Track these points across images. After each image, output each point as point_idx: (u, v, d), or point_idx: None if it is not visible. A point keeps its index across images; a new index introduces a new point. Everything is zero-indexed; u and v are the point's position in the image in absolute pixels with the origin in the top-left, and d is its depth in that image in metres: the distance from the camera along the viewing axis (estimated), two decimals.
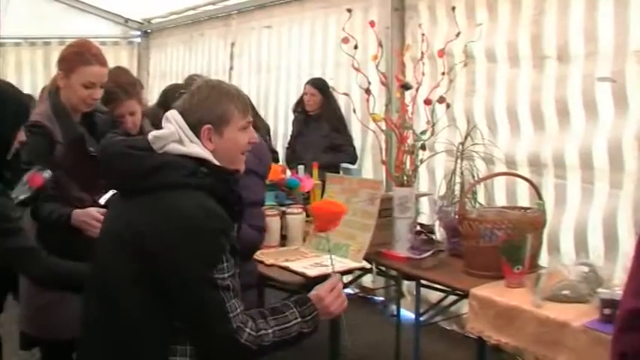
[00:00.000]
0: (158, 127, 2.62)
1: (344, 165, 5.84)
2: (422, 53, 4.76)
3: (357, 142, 6.89)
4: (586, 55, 5.04)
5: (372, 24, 4.97)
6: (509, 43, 5.56)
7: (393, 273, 4.75)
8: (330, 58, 7.40)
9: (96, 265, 2.63)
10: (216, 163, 2.52)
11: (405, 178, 4.48)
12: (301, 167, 5.48)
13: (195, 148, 2.50)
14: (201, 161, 2.49)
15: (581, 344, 3.46)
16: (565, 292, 3.74)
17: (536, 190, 4.46)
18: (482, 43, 5.66)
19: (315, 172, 5.36)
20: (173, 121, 2.53)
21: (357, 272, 4.84)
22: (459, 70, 5.42)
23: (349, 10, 5.11)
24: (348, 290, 6.27)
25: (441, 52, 4.85)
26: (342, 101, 6.70)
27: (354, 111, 5.16)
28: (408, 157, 4.50)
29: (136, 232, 2.43)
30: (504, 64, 5.63)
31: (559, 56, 5.22)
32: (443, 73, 4.73)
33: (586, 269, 3.91)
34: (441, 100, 4.66)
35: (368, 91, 4.59)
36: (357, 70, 4.63)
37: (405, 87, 4.70)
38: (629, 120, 4.76)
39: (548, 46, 5.30)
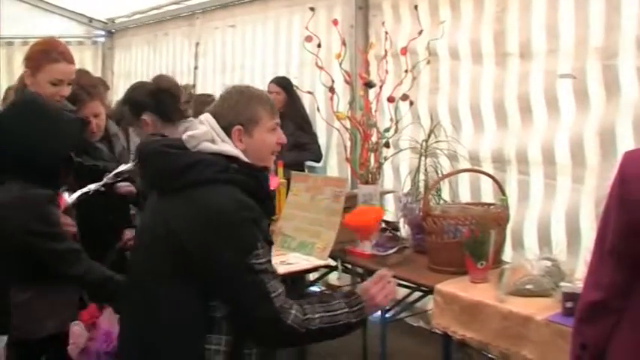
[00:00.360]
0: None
1: (309, 163, 5.85)
2: (385, 51, 4.78)
3: (322, 141, 6.88)
4: (548, 52, 5.09)
5: (335, 22, 5.00)
6: (472, 41, 5.59)
7: (359, 270, 4.75)
8: (295, 56, 7.38)
9: (133, 262, 2.81)
10: (246, 160, 2.64)
11: (370, 175, 4.52)
12: None
13: (227, 146, 2.63)
14: (232, 159, 2.61)
15: (544, 337, 3.50)
16: (528, 286, 3.79)
17: (499, 186, 4.50)
18: (446, 40, 5.68)
19: (280, 170, 5.35)
20: (206, 123, 2.68)
21: (323, 270, 4.86)
22: (423, 67, 5.44)
23: (312, 9, 5.12)
24: (314, 288, 6.29)
25: (404, 50, 4.88)
26: (306, 100, 6.69)
27: (318, 109, 5.16)
28: (373, 155, 4.52)
29: (171, 227, 2.55)
30: (467, 62, 5.65)
31: (521, 53, 5.26)
32: (406, 71, 4.76)
33: (549, 264, 3.95)
34: (405, 97, 4.70)
35: (332, 90, 4.61)
36: (321, 68, 4.65)
37: (369, 85, 4.73)
38: (590, 116, 4.81)
39: (510, 44, 5.34)
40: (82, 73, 4.43)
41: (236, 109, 2.68)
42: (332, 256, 4.51)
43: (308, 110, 6.79)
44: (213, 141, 2.64)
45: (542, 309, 3.59)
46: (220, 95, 2.81)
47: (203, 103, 4.03)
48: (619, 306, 2.35)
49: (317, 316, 2.59)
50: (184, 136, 2.70)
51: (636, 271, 2.32)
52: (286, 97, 6.80)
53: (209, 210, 2.51)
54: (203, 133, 2.65)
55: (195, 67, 9.14)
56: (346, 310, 2.67)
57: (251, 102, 2.71)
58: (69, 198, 3.69)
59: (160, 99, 3.81)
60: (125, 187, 3.99)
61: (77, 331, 3.29)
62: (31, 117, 3.39)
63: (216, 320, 2.55)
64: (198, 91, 8.43)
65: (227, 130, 2.66)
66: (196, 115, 3.69)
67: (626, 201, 2.30)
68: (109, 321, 3.29)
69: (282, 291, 2.55)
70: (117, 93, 8.48)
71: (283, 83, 6.84)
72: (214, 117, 2.69)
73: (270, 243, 2.65)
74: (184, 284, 2.54)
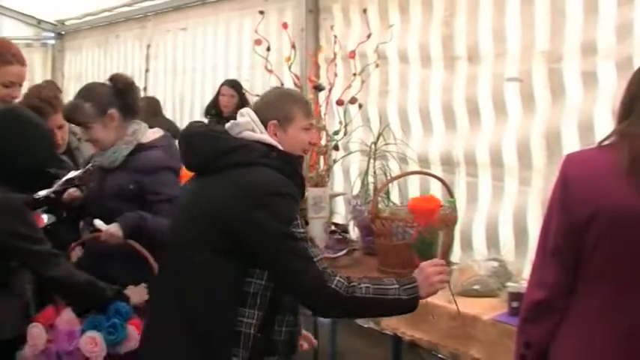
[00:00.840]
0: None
1: None
2: (334, 54, 4.80)
3: None
4: (495, 56, 5.15)
5: (284, 26, 5.02)
6: (421, 44, 5.63)
7: None
8: (246, 60, 7.39)
9: (173, 233, 2.93)
10: (283, 149, 2.81)
11: (319, 178, 4.53)
12: None
13: (266, 136, 2.81)
14: (270, 147, 2.77)
15: (491, 337, 3.56)
16: (476, 286, 3.85)
17: (447, 188, 4.55)
18: (395, 44, 5.72)
19: None
20: (247, 115, 2.86)
21: None
22: (372, 71, 5.47)
23: (261, 13, 5.14)
24: None
25: (352, 54, 4.92)
26: None
27: None
28: (322, 158, 4.54)
29: (212, 202, 2.72)
30: (416, 65, 5.69)
31: (469, 57, 5.31)
32: (355, 74, 4.78)
33: (496, 264, 4.02)
34: (353, 100, 4.73)
35: None
36: (270, 71, 4.67)
37: (318, 88, 4.75)
38: (537, 119, 4.88)
39: (458, 47, 5.39)
40: (43, 85, 4.45)
41: (273, 105, 2.88)
42: None
43: None
44: (253, 130, 2.81)
45: (488, 309, 3.65)
46: (263, 93, 3.08)
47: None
48: (562, 305, 2.41)
49: (363, 285, 2.68)
50: (227, 125, 2.89)
51: (578, 270, 2.38)
52: (239, 100, 6.78)
53: (251, 186, 2.67)
54: (245, 122, 2.83)
55: (147, 70, 9.12)
56: (396, 285, 2.73)
57: (288, 101, 2.91)
58: (37, 194, 3.74)
59: (124, 95, 3.81)
60: (73, 192, 3.96)
61: (36, 332, 3.30)
62: (14, 123, 3.42)
63: (250, 295, 2.69)
64: (150, 93, 8.44)
65: (264, 124, 2.84)
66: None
67: (567, 202, 2.36)
68: (67, 322, 3.29)
69: (324, 258, 2.72)
70: (67, 96, 8.40)
71: (237, 86, 6.83)
72: (254, 111, 2.88)
73: (306, 223, 2.84)
74: (224, 258, 2.69)
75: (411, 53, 5.71)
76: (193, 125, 3.14)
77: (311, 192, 4.51)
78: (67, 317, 3.32)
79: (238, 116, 2.91)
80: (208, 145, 2.82)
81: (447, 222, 4.18)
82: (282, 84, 4.69)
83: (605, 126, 4.49)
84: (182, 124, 8.39)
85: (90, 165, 3.97)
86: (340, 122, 4.70)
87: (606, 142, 2.43)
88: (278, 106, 2.88)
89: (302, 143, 2.91)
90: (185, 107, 8.59)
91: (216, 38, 8.04)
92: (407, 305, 2.76)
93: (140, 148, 3.77)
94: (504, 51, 5.08)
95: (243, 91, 6.66)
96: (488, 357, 3.60)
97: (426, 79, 5.57)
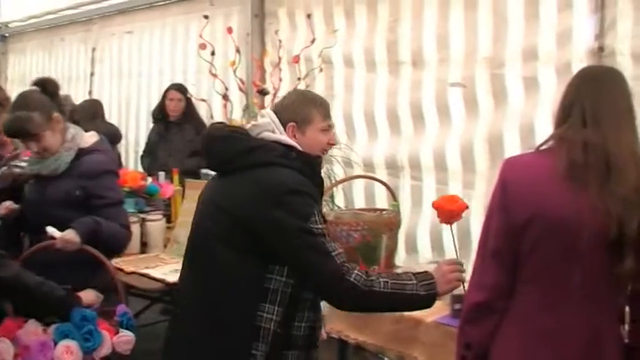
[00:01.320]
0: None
1: (204, 170, 5.80)
2: (279, 59, 4.81)
3: None
4: (439, 61, 5.23)
5: (229, 30, 5.01)
6: (366, 49, 5.68)
7: None
8: (192, 64, 7.35)
9: (194, 235, 2.96)
10: (302, 150, 2.84)
11: None
12: (162, 173, 5.42)
13: (285, 137, 2.84)
14: (289, 148, 2.82)
15: (433, 339, 3.60)
16: None
17: (390, 191, 4.58)
18: (340, 48, 5.76)
19: (176, 177, 5.33)
20: (267, 116, 2.91)
21: None
22: (318, 75, 5.49)
23: (206, 17, 5.13)
24: None
25: (296, 58, 4.93)
26: (203, 107, 6.66)
27: (212, 117, 5.16)
28: None
29: (233, 200, 2.76)
30: (361, 69, 5.74)
31: (413, 62, 5.38)
32: (299, 79, 4.80)
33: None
34: None
35: (225, 97, 4.62)
36: (215, 76, 4.66)
37: (262, 92, 4.76)
38: (480, 123, 4.96)
39: (403, 52, 5.45)
40: None
41: (292, 108, 2.90)
42: None
43: (204, 118, 6.76)
44: (273, 131, 2.85)
45: (431, 311, 3.64)
46: (283, 96, 3.10)
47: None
48: (502, 306, 2.45)
49: (382, 280, 2.70)
50: (248, 125, 2.98)
51: (517, 271, 2.42)
52: (186, 104, 6.73)
53: (271, 185, 2.71)
54: (266, 123, 2.88)
55: (92, 74, 9.04)
56: (414, 281, 2.75)
57: (306, 103, 2.93)
58: None
59: (56, 97, 3.78)
60: (9, 205, 3.90)
61: (3, 348, 3.20)
62: None
63: (270, 291, 2.73)
64: (95, 97, 8.35)
65: (283, 126, 2.87)
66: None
67: (506, 205, 2.41)
68: (34, 333, 3.20)
69: (342, 252, 2.72)
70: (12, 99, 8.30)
71: (184, 90, 6.77)
72: (275, 113, 2.92)
73: (325, 221, 2.83)
74: (245, 255, 2.74)
75: (356, 58, 5.75)
76: (215, 126, 3.14)
77: None
78: (32, 328, 3.22)
79: (259, 117, 3.03)
80: (228, 145, 2.86)
81: (391, 226, 4.20)
82: (227, 89, 4.68)
83: (545, 130, 4.57)
84: (128, 127, 8.37)
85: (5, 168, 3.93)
86: None
87: (544, 147, 2.48)
88: (296, 109, 2.91)
89: (320, 144, 2.93)
90: (131, 111, 8.52)
91: (163, 42, 7.99)
92: (424, 301, 2.78)
93: (81, 153, 3.73)
94: (448, 56, 5.16)
95: (188, 95, 6.61)
96: (432, 359, 3.63)
97: (371, 84, 5.62)
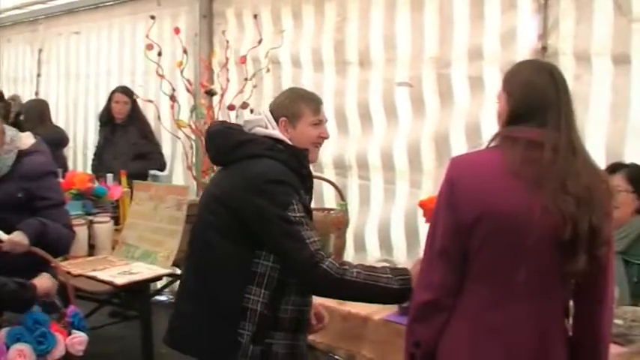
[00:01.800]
0: None
1: (152, 172, 5.78)
2: (226, 59, 4.81)
3: (167, 149, 6.81)
4: (386, 61, 5.27)
5: (176, 31, 4.98)
6: (314, 49, 5.70)
7: None
8: (139, 65, 7.30)
9: (195, 225, 3.18)
10: (291, 143, 3.03)
11: None
12: (110, 175, 5.38)
13: (275, 131, 3.04)
14: (279, 141, 3.00)
15: (381, 336, 3.63)
16: None
17: (338, 191, 4.61)
18: (288, 49, 5.77)
19: (124, 179, 5.28)
20: (262, 112, 3.12)
21: (168, 279, 4.84)
22: (265, 75, 5.49)
23: (152, 17, 5.09)
24: (163, 297, 6.24)
25: (243, 59, 4.93)
26: (151, 108, 6.61)
27: (159, 118, 5.14)
28: None
29: (225, 190, 2.98)
30: (309, 69, 5.76)
31: (361, 62, 5.41)
32: (246, 79, 4.80)
33: (387, 265, 4.08)
34: (245, 105, 4.74)
35: (173, 98, 4.60)
36: (162, 77, 4.63)
37: (210, 93, 4.75)
38: (426, 122, 5.01)
39: (350, 52, 5.48)
40: None
41: (284, 104, 3.10)
42: (176, 264, 4.49)
43: (151, 119, 6.71)
44: (265, 127, 3.04)
45: (379, 309, 3.71)
46: (279, 94, 3.27)
47: None
48: (450, 304, 2.46)
49: (355, 270, 2.84)
50: (242, 121, 3.21)
51: (465, 270, 2.44)
52: (132, 107, 6.66)
53: (253, 175, 2.90)
54: (258, 119, 3.09)
55: (38, 75, 8.93)
56: (389, 275, 2.88)
57: (297, 99, 3.11)
58: None
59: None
60: None
61: None
62: None
63: (257, 275, 2.91)
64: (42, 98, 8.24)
65: (276, 121, 3.06)
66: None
67: (454, 203, 2.42)
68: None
69: (319, 240, 2.86)
70: None
71: (130, 92, 6.70)
72: (270, 109, 3.12)
73: (309, 211, 3.00)
74: (234, 241, 2.93)
75: (304, 58, 5.77)
76: (214, 123, 3.44)
77: None
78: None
79: (255, 114, 3.27)
80: (222, 139, 3.09)
81: (339, 225, 4.23)
82: (174, 90, 4.67)
83: (491, 128, 4.62)
84: (75, 129, 8.28)
85: None
86: None
87: (491, 145, 2.49)
88: (287, 105, 3.09)
89: (311, 137, 3.09)
90: (79, 112, 8.41)
91: (110, 43, 7.91)
92: (397, 295, 2.89)
93: (21, 154, 3.68)
94: (395, 56, 5.20)
95: (135, 97, 6.54)
96: (380, 356, 3.66)
97: (319, 84, 5.62)
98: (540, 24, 4.46)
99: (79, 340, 3.28)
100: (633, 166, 3.77)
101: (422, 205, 3.83)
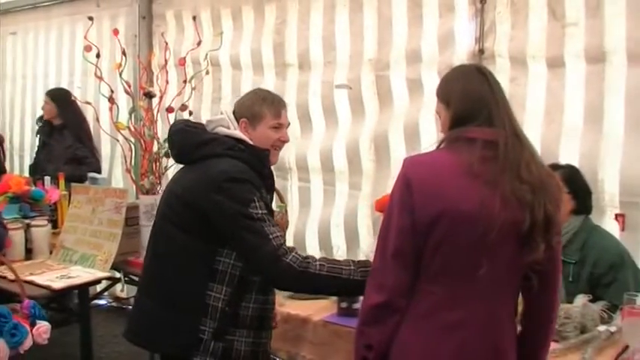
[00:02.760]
0: None
1: (91, 175, 5.71)
2: (165, 61, 4.79)
3: (106, 151, 6.77)
4: (325, 63, 5.30)
5: (115, 32, 4.93)
6: (253, 51, 5.70)
7: None
8: (78, 66, 7.22)
9: (156, 219, 3.20)
10: (252, 143, 3.07)
11: (151, 186, 4.49)
12: (47, 178, 5.31)
13: (237, 131, 3.10)
14: (240, 141, 3.05)
15: (321, 337, 3.64)
16: None
17: (277, 193, 4.60)
18: (227, 51, 5.76)
19: (62, 182, 5.22)
20: (225, 113, 3.17)
21: (107, 282, 4.80)
22: (205, 77, 5.48)
23: (90, 19, 5.04)
24: (102, 301, 6.19)
25: (183, 61, 4.90)
26: (89, 110, 6.52)
27: (98, 120, 5.09)
28: (153, 165, 4.51)
29: (186, 188, 3.01)
30: (249, 71, 5.77)
31: (300, 64, 5.44)
32: (185, 81, 4.78)
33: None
34: (184, 107, 4.71)
35: (111, 100, 4.57)
36: (100, 78, 4.59)
37: (149, 95, 4.71)
38: (365, 124, 5.05)
39: (290, 54, 5.51)
40: None
41: (246, 105, 3.15)
42: (115, 267, 4.45)
43: (90, 121, 6.62)
44: (227, 127, 3.10)
45: (318, 310, 3.73)
46: (245, 93, 3.31)
47: None
48: (402, 305, 2.45)
49: (318, 263, 2.88)
50: (204, 120, 3.22)
51: (419, 271, 2.43)
52: (59, 109, 6.47)
53: (215, 172, 2.93)
54: (221, 119, 3.13)
55: None
56: (352, 267, 2.92)
57: (259, 102, 3.15)
58: None
59: None
60: None
61: None
62: None
63: (219, 272, 2.95)
64: None
65: (238, 121, 3.13)
66: None
67: (411, 204, 2.40)
68: None
69: (281, 235, 2.91)
70: None
71: (56, 95, 6.52)
72: (233, 109, 3.18)
73: (271, 210, 3.04)
74: (195, 237, 2.96)
75: (244, 60, 5.78)
76: (176, 122, 3.40)
77: (143, 200, 4.48)
78: None
79: (218, 114, 3.25)
80: (184, 138, 3.14)
81: (279, 227, 4.23)
82: (112, 91, 4.63)
83: (429, 130, 4.71)
84: (12, 130, 8.15)
85: None
86: None
87: (444, 145, 2.51)
88: (249, 107, 3.14)
89: (269, 140, 3.12)
90: (15, 114, 8.28)
91: (48, 43, 7.81)
92: (359, 286, 2.81)
93: None
94: (334, 58, 5.24)
95: (73, 98, 6.39)
96: (320, 357, 3.67)
97: (259, 86, 5.58)
98: (477, 27, 4.53)
99: (44, 329, 3.25)
100: (568, 167, 3.86)
101: (380, 203, 3.81)
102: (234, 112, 3.15)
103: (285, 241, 2.90)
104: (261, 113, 3.11)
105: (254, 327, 3.04)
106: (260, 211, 2.88)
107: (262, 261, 2.86)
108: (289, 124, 3.28)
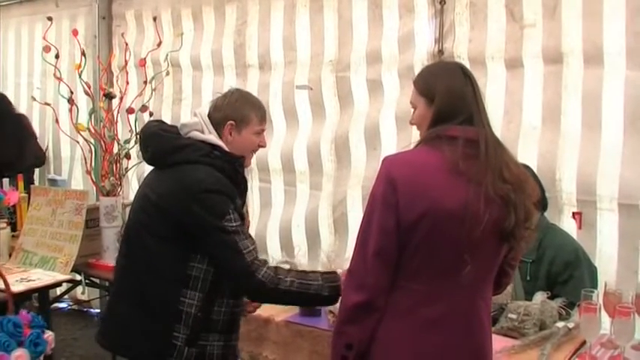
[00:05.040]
0: None
1: (51, 176, 5.67)
2: (125, 62, 4.77)
3: (66, 153, 6.72)
4: (286, 64, 5.30)
5: (74, 33, 4.90)
6: (214, 52, 5.70)
7: (106, 283, 4.70)
8: (37, 67, 7.15)
9: (129, 223, 3.18)
10: (227, 149, 3.03)
11: (111, 187, 4.48)
12: (6, 180, 5.25)
13: (212, 136, 3.03)
14: (215, 147, 3.01)
15: (283, 337, 3.69)
16: None
17: None
18: (188, 52, 5.75)
19: (21, 184, 5.18)
20: (199, 116, 3.10)
21: (68, 285, 4.77)
22: (165, 78, 5.46)
23: (50, 19, 5.01)
24: (62, 305, 6.15)
25: (143, 62, 4.89)
26: (49, 112, 6.45)
27: (57, 121, 5.06)
28: (114, 166, 4.50)
29: (161, 195, 2.97)
30: (209, 72, 5.76)
31: (261, 65, 5.44)
32: (145, 82, 4.77)
33: (287, 267, 4.11)
34: (144, 108, 4.71)
35: (71, 101, 4.54)
36: (59, 79, 4.57)
37: (109, 96, 4.70)
38: (326, 125, 5.07)
39: (250, 55, 5.51)
40: None
41: (234, 106, 3.08)
42: (76, 270, 4.43)
43: (49, 122, 6.53)
44: (202, 131, 3.04)
45: (280, 311, 3.76)
46: (224, 92, 3.22)
47: None
48: (382, 304, 2.45)
49: (289, 279, 2.90)
50: (179, 124, 3.14)
51: (399, 269, 2.44)
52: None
53: (190, 183, 2.90)
54: (195, 123, 3.07)
55: None
56: (320, 282, 2.95)
57: (247, 105, 3.10)
58: None
59: None
60: None
61: None
62: None
63: (192, 278, 2.94)
64: None
65: (220, 123, 3.07)
66: None
67: (396, 202, 2.40)
68: None
69: (254, 249, 2.91)
70: None
71: None
72: (213, 108, 3.12)
73: (243, 217, 3.01)
74: (168, 243, 2.94)
75: (204, 61, 5.76)
76: (149, 124, 3.31)
77: (103, 201, 4.46)
78: None
79: (191, 116, 3.22)
80: (157, 143, 3.07)
81: None
82: (72, 92, 4.60)
83: (389, 130, 4.75)
84: None
85: None
86: (130, 130, 4.65)
87: (424, 143, 2.52)
88: (237, 108, 3.07)
89: (252, 145, 3.12)
90: None
91: (6, 44, 7.71)
92: (326, 300, 3.00)
93: None
94: (295, 59, 5.25)
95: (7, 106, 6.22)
96: (283, 357, 3.71)
97: (219, 87, 5.59)
98: (437, 28, 4.57)
99: (51, 338, 3.22)
100: (525, 167, 3.90)
101: None
102: (213, 113, 3.09)
103: (257, 253, 2.91)
104: (249, 117, 3.07)
105: (225, 330, 3.06)
106: (234, 224, 2.88)
107: (235, 276, 2.91)
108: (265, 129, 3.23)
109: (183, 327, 2.94)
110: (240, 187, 3.08)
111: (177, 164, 2.98)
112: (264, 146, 3.19)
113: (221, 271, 2.95)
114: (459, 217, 2.36)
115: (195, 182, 2.90)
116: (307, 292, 2.92)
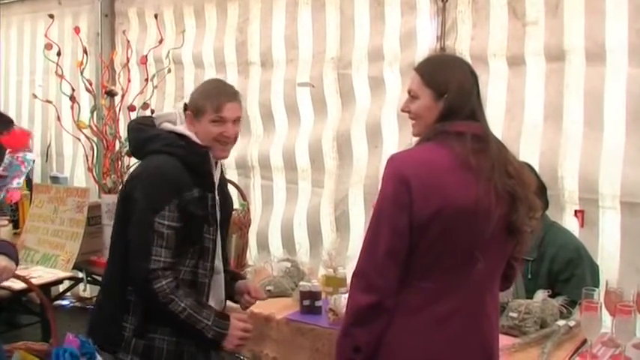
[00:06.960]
0: None
1: (53, 173, 5.68)
2: (127, 59, 4.77)
3: (68, 150, 6.73)
4: (288, 62, 5.29)
5: (76, 30, 4.91)
6: (216, 50, 5.69)
7: None
8: (40, 64, 7.15)
9: (115, 212, 3.18)
10: (195, 139, 3.03)
11: (113, 184, 4.48)
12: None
13: (181, 127, 3.07)
14: (183, 137, 3.03)
15: (284, 335, 3.68)
16: (269, 287, 3.94)
17: (240, 191, 4.61)
18: (190, 49, 5.75)
19: (24, 182, 5.19)
20: (176, 107, 3.20)
21: (70, 282, 4.78)
22: (167, 75, 5.46)
23: (51, 16, 5.02)
24: (64, 302, 6.15)
25: (144, 59, 4.89)
26: (51, 109, 6.47)
27: (59, 119, 5.06)
28: (115, 164, 4.50)
29: (126, 184, 3.09)
30: (211, 70, 5.74)
31: (263, 62, 5.43)
32: (146, 80, 4.77)
33: (288, 264, 4.13)
34: (145, 106, 4.71)
35: (72, 99, 4.55)
36: (61, 77, 4.57)
37: (110, 94, 4.70)
38: (327, 122, 5.06)
39: (252, 53, 5.50)
40: None
41: (192, 98, 3.10)
42: (77, 267, 4.43)
43: (52, 120, 6.54)
44: (174, 122, 3.11)
45: (281, 308, 3.76)
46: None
47: None
48: (392, 304, 2.42)
49: (182, 306, 2.87)
50: (154, 115, 3.25)
51: (409, 267, 2.42)
52: None
53: (145, 169, 2.99)
54: (168, 114, 3.17)
55: None
56: (209, 322, 2.91)
57: (203, 95, 3.07)
58: None
59: None
60: None
61: None
62: None
63: None
64: None
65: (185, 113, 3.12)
66: None
67: (410, 201, 2.37)
68: None
69: (165, 261, 2.87)
70: None
71: None
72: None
73: (203, 217, 3.01)
74: (125, 229, 2.96)
75: (206, 58, 5.75)
76: (133, 120, 3.46)
77: (105, 199, 4.47)
78: None
79: (173, 105, 3.29)
80: (136, 136, 3.14)
81: (240, 225, 4.26)
82: (74, 90, 4.61)
83: (391, 128, 4.74)
84: None
85: None
86: None
87: (431, 140, 2.49)
88: (194, 99, 3.08)
89: (211, 134, 3.02)
90: None
91: (9, 41, 7.72)
92: (207, 342, 2.96)
93: None
94: (296, 57, 5.24)
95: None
96: (283, 355, 3.70)
97: None
98: (439, 26, 4.55)
99: None
100: (526, 165, 3.89)
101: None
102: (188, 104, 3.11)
103: (167, 265, 2.87)
104: (203, 107, 3.02)
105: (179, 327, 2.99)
106: (166, 223, 2.88)
107: (133, 273, 2.91)
108: (238, 118, 3.10)
109: (132, 317, 2.96)
110: (205, 179, 3.05)
111: (148, 154, 3.03)
112: (229, 136, 3.06)
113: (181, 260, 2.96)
114: (471, 213, 2.36)
115: (148, 169, 2.97)
116: (193, 327, 2.89)
